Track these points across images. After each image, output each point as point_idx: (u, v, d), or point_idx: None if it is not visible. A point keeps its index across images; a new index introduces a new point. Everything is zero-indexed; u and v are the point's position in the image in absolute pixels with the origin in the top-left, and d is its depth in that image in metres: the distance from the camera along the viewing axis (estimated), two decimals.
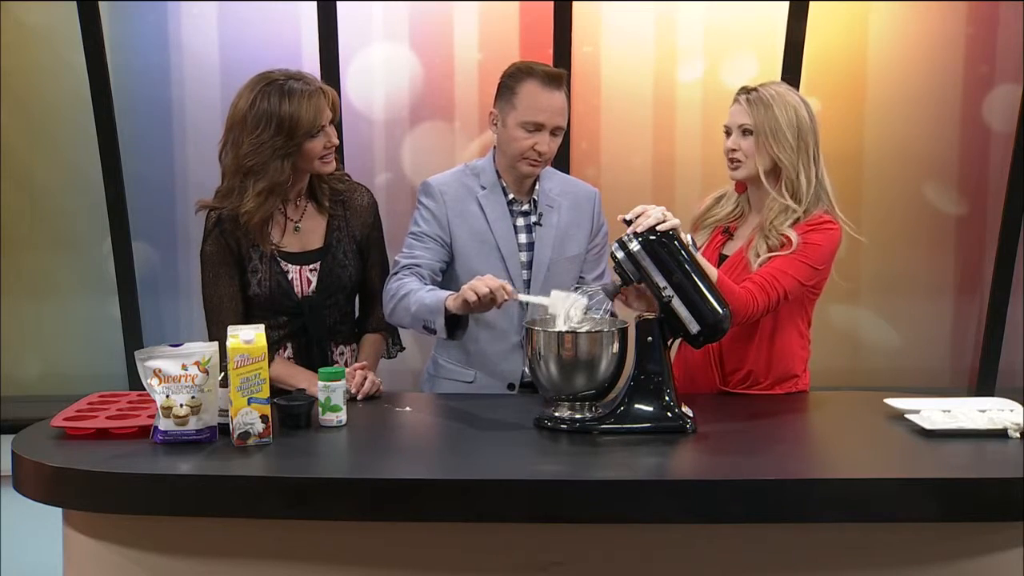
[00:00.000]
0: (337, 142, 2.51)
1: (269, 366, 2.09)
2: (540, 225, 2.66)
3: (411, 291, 2.45)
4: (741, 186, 2.54)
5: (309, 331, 2.55)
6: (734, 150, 2.46)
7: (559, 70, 2.59)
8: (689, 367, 2.53)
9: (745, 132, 2.45)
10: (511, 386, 2.66)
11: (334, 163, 2.52)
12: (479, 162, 2.70)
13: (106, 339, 3.85)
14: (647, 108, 3.80)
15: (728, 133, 2.49)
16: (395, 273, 2.55)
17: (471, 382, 2.67)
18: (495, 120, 2.61)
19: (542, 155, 2.55)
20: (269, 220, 2.51)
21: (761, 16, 3.70)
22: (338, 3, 3.61)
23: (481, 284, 2.24)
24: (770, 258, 2.40)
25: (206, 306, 2.55)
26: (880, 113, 3.83)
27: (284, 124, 2.40)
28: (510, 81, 2.56)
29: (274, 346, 2.53)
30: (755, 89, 2.47)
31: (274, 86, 2.43)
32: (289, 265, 2.54)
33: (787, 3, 3.61)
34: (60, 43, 3.69)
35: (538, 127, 2.52)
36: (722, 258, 2.52)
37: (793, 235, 2.40)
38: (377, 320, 2.67)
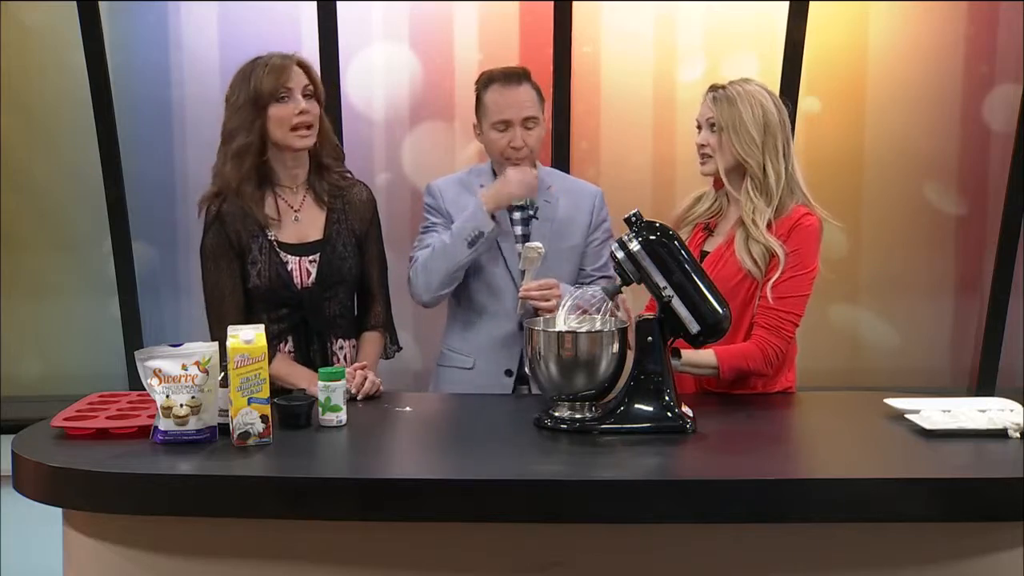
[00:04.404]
0: (304, 108, 2.50)
1: (269, 364, 2.10)
2: (536, 219, 2.73)
3: (437, 241, 2.64)
4: (719, 183, 2.56)
5: (309, 323, 2.56)
6: (704, 145, 2.50)
7: (518, 67, 2.73)
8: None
9: (713, 127, 2.48)
10: (508, 372, 2.71)
11: (310, 139, 2.53)
12: (481, 165, 2.83)
13: (106, 339, 3.85)
14: (647, 108, 3.80)
15: (699, 128, 2.53)
16: (415, 260, 2.70)
17: (471, 368, 2.74)
18: (477, 131, 2.75)
19: (519, 149, 2.66)
20: (264, 197, 2.54)
21: (761, 16, 3.70)
22: (338, 3, 3.61)
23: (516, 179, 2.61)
24: (771, 283, 2.41)
25: (207, 299, 2.56)
26: (880, 113, 3.83)
27: (250, 93, 2.48)
28: (478, 91, 2.73)
29: (275, 339, 2.54)
30: (723, 87, 2.49)
31: (250, 63, 2.53)
32: (288, 256, 2.55)
33: (787, 3, 3.62)
34: (60, 43, 3.69)
35: (507, 124, 2.65)
36: (703, 255, 2.53)
37: (779, 249, 2.41)
38: (376, 317, 2.69)
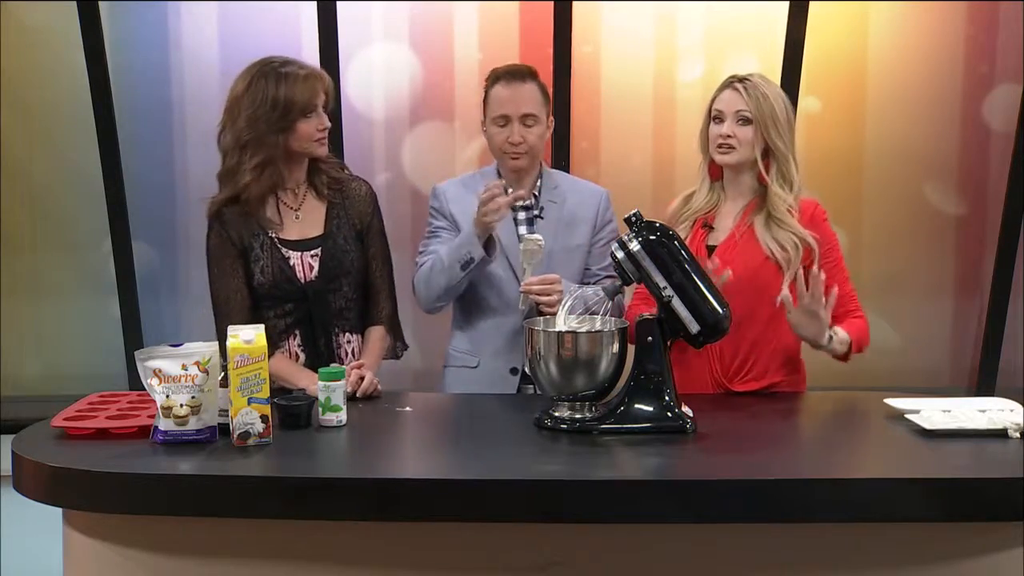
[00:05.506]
0: (329, 124, 2.57)
1: (269, 361, 2.10)
2: (542, 218, 2.75)
3: (437, 256, 2.65)
4: (716, 172, 2.58)
5: (314, 316, 2.57)
6: (730, 136, 2.49)
7: (522, 65, 2.78)
8: (688, 363, 2.52)
9: (741, 120, 2.48)
10: (514, 370, 2.72)
11: (327, 147, 2.60)
12: (487, 168, 2.86)
13: (106, 339, 3.85)
14: (647, 108, 3.80)
15: (719, 119, 2.51)
16: (419, 267, 2.73)
17: (476, 367, 2.75)
18: (483, 127, 2.77)
19: (517, 145, 2.69)
20: (267, 201, 2.56)
21: (761, 16, 3.70)
22: (338, 3, 3.61)
23: (482, 209, 2.52)
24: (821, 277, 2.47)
25: (213, 302, 2.58)
26: (880, 113, 3.83)
27: (279, 103, 2.48)
28: (486, 87, 2.76)
29: (283, 333, 2.57)
30: (747, 78, 2.51)
31: (271, 68, 2.51)
32: (290, 252, 2.57)
33: (787, 3, 3.61)
34: (60, 43, 3.68)
35: (506, 119, 2.68)
36: (710, 249, 2.54)
37: (811, 239, 2.47)
38: (379, 312, 2.70)
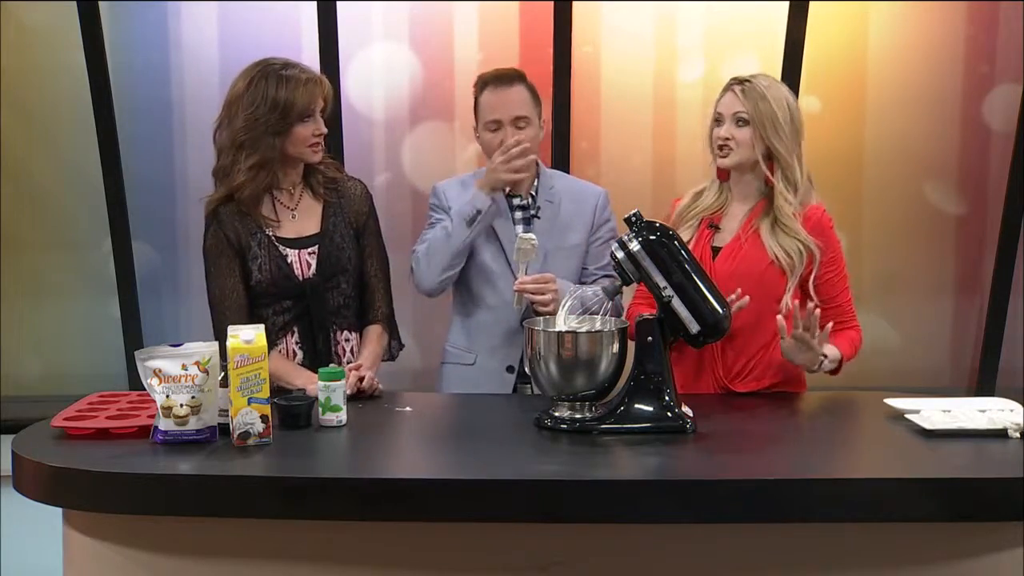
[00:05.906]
0: (325, 131, 2.58)
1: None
2: (538, 218, 2.75)
3: (439, 227, 2.68)
4: (724, 174, 2.57)
5: (312, 313, 2.58)
6: (728, 138, 2.48)
7: (510, 68, 2.79)
8: (689, 364, 2.52)
9: (739, 121, 2.48)
10: (510, 368, 2.72)
11: (321, 153, 2.60)
12: (484, 168, 2.83)
13: (106, 339, 3.85)
14: (647, 108, 3.80)
15: (719, 121, 2.51)
16: (415, 251, 2.74)
17: (472, 364, 2.76)
18: (476, 133, 2.79)
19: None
20: (262, 200, 2.56)
21: (761, 16, 3.69)
22: (338, 3, 3.61)
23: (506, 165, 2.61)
24: (821, 282, 2.49)
25: (209, 300, 2.58)
26: (880, 113, 3.83)
27: (279, 105, 2.48)
28: (475, 94, 2.77)
29: (280, 331, 2.57)
30: (748, 80, 2.50)
31: (272, 70, 2.52)
32: (288, 249, 2.58)
33: (787, 3, 3.61)
34: (60, 43, 3.68)
35: (498, 123, 2.70)
36: (715, 251, 2.53)
37: (815, 247, 2.46)
38: (376, 311, 2.70)
